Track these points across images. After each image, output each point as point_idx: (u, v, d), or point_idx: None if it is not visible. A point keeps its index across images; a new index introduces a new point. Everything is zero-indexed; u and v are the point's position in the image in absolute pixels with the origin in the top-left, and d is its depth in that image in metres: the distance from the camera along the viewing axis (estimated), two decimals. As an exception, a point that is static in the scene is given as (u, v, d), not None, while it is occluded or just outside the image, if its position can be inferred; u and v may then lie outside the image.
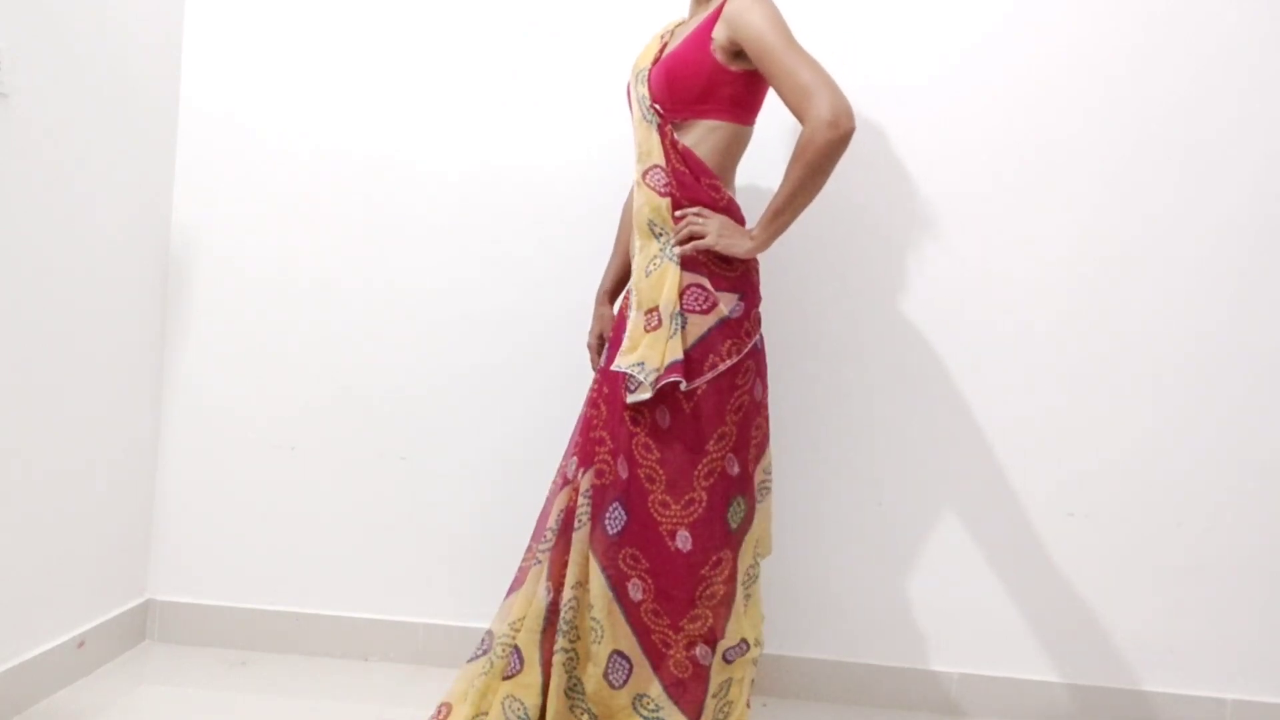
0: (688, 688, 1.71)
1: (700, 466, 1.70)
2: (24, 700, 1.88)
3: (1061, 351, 2.16)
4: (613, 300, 2.01)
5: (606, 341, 1.92)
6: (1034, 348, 2.16)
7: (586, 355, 2.09)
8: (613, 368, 1.72)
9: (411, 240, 2.26)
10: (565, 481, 1.81)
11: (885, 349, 2.19)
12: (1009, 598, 2.18)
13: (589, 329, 2.05)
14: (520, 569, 1.84)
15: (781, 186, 1.67)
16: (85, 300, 2.02)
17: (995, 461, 2.18)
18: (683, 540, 1.70)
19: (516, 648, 1.78)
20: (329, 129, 2.27)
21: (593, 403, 1.81)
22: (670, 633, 1.71)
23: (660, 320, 1.69)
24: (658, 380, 1.65)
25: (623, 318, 1.81)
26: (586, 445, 1.79)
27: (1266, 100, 2.10)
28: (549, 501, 1.83)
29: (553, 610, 1.77)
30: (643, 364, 1.66)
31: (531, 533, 1.86)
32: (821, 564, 2.22)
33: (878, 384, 2.20)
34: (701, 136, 1.75)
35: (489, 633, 1.83)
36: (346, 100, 2.27)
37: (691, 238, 1.71)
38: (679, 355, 1.67)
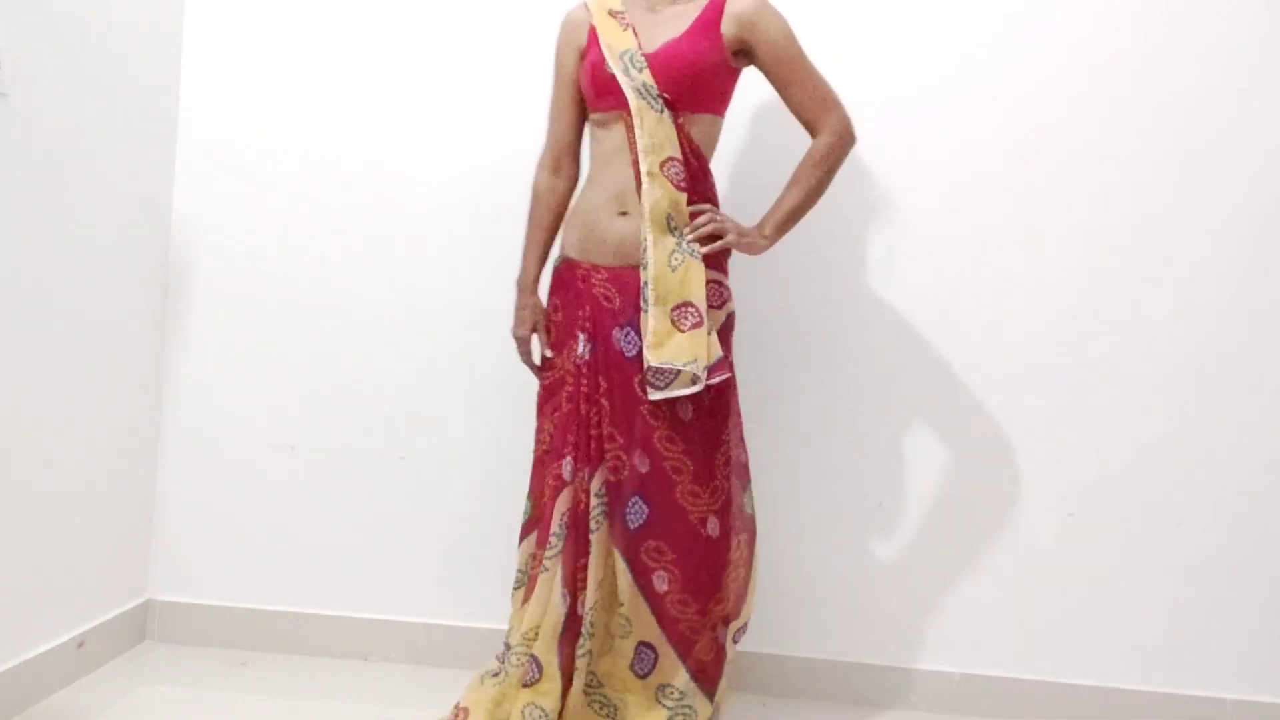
0: (709, 669, 1.78)
1: (719, 455, 1.76)
2: (24, 700, 1.88)
3: (1062, 352, 2.16)
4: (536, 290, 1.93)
5: (539, 332, 1.88)
6: (1034, 348, 2.16)
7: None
8: (661, 364, 1.66)
9: (411, 240, 2.26)
10: (562, 484, 1.79)
11: (886, 350, 2.19)
12: (1009, 598, 2.18)
13: (519, 319, 1.90)
14: (531, 577, 1.82)
15: (797, 190, 1.78)
16: (85, 300, 2.02)
17: (995, 462, 2.18)
18: (713, 527, 1.74)
19: (534, 657, 1.78)
20: (329, 129, 2.27)
21: (587, 399, 1.77)
22: (698, 618, 1.75)
23: (701, 317, 1.71)
24: (710, 376, 1.69)
25: (602, 309, 1.77)
26: (585, 444, 1.77)
27: (1266, 100, 2.10)
28: (546, 508, 1.81)
29: (571, 616, 1.78)
30: (696, 360, 1.67)
31: (535, 540, 1.85)
32: (822, 564, 2.22)
33: (879, 384, 2.20)
34: (704, 130, 1.79)
35: (505, 645, 1.84)
36: (346, 100, 2.27)
37: (713, 235, 1.75)
38: (719, 352, 1.72)
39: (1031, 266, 2.16)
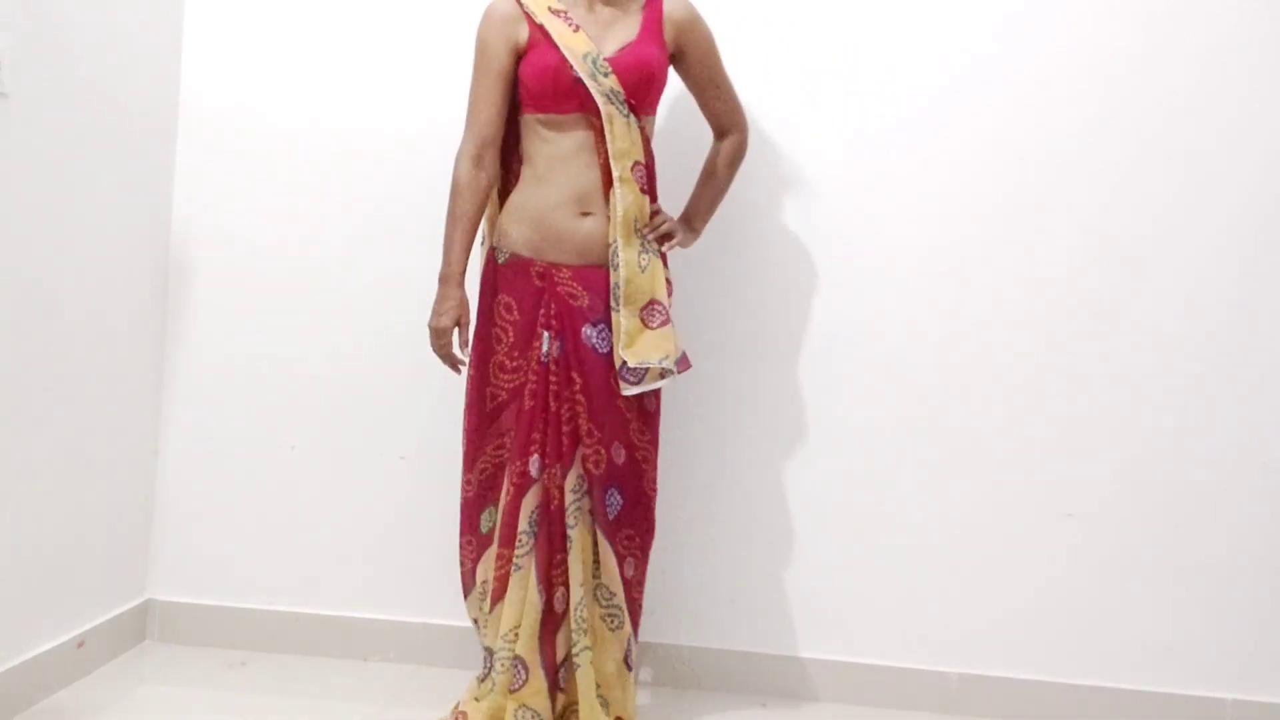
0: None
1: (659, 441, 1.89)
2: (24, 700, 1.88)
3: (1063, 352, 2.15)
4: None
5: (460, 326, 1.83)
6: (1035, 348, 2.16)
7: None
8: (638, 364, 1.73)
9: (413, 239, 2.25)
10: (529, 480, 1.79)
11: (887, 349, 2.19)
12: (1009, 598, 2.18)
13: (441, 310, 1.83)
14: (496, 579, 1.81)
15: (716, 187, 1.95)
16: (85, 300, 2.02)
17: (995, 461, 2.18)
18: (654, 510, 1.90)
19: (519, 659, 1.78)
20: (330, 128, 2.26)
21: (556, 396, 1.78)
22: (640, 597, 1.90)
23: (668, 314, 1.79)
24: (680, 370, 1.80)
25: (570, 307, 1.78)
26: (556, 441, 1.79)
27: (1267, 102, 2.10)
28: (511, 506, 1.79)
29: (549, 612, 1.79)
30: (668, 356, 1.76)
31: (499, 539, 1.82)
32: (820, 563, 2.22)
33: (879, 384, 2.19)
34: (650, 132, 1.86)
35: (487, 650, 1.84)
36: (348, 99, 2.26)
37: (667, 234, 1.85)
38: (682, 346, 1.82)
39: (1032, 267, 2.15)
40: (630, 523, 1.84)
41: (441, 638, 2.25)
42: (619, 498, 1.82)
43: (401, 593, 2.28)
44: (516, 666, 1.78)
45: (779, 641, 2.22)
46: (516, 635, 1.78)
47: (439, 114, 2.24)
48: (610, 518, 1.81)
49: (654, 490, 1.88)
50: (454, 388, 2.25)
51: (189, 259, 2.30)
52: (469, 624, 2.22)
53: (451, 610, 2.26)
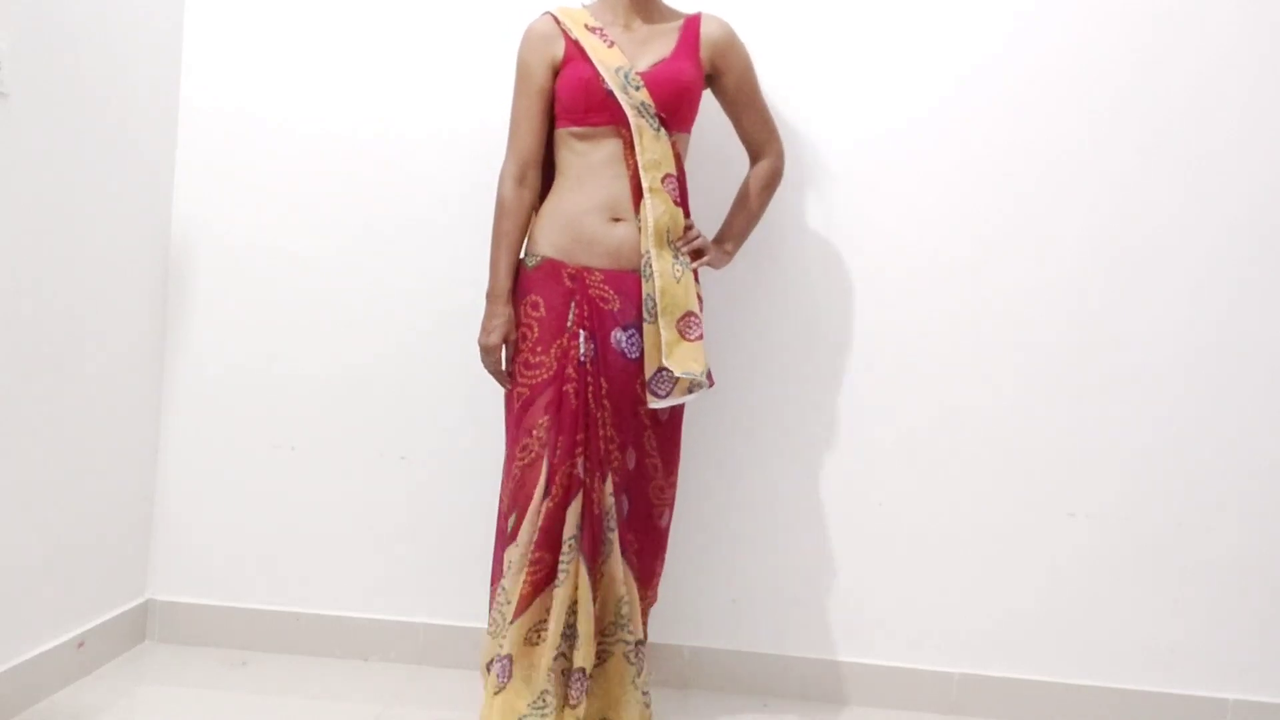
0: (640, 650, 1.88)
1: (679, 452, 1.93)
2: (24, 700, 1.89)
3: (1064, 353, 2.15)
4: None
5: (507, 343, 1.85)
6: (1037, 349, 2.16)
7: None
8: (683, 373, 1.75)
9: (414, 239, 2.26)
10: (578, 484, 1.77)
11: (889, 348, 2.19)
12: (1009, 598, 2.18)
13: (490, 328, 1.86)
14: (531, 584, 1.76)
15: (749, 211, 1.96)
16: (85, 300, 2.02)
17: (996, 461, 2.18)
18: (665, 519, 1.92)
19: (581, 671, 1.77)
20: (330, 128, 2.26)
21: (595, 398, 1.78)
22: (639, 603, 1.89)
23: (702, 328, 1.80)
24: (710, 383, 1.82)
25: (601, 310, 1.80)
26: (596, 444, 1.78)
27: (1271, 107, 2.10)
28: (556, 510, 1.76)
29: (596, 620, 1.80)
30: (703, 369, 1.78)
31: (535, 544, 1.77)
32: (821, 564, 2.22)
33: (881, 383, 2.20)
34: (684, 148, 1.88)
35: (508, 658, 1.78)
36: (348, 99, 2.26)
37: (700, 250, 1.86)
38: (708, 361, 1.84)
39: (1038, 269, 2.15)
40: (633, 527, 1.86)
41: (441, 638, 2.26)
42: (626, 502, 1.85)
43: (401, 593, 2.29)
44: (578, 680, 1.76)
45: (779, 641, 2.22)
46: (573, 647, 1.76)
47: (441, 116, 2.25)
48: (622, 520, 1.84)
49: (659, 498, 1.89)
50: (455, 388, 2.25)
51: (189, 259, 2.30)
52: (469, 624, 2.23)
53: (451, 610, 2.27)
